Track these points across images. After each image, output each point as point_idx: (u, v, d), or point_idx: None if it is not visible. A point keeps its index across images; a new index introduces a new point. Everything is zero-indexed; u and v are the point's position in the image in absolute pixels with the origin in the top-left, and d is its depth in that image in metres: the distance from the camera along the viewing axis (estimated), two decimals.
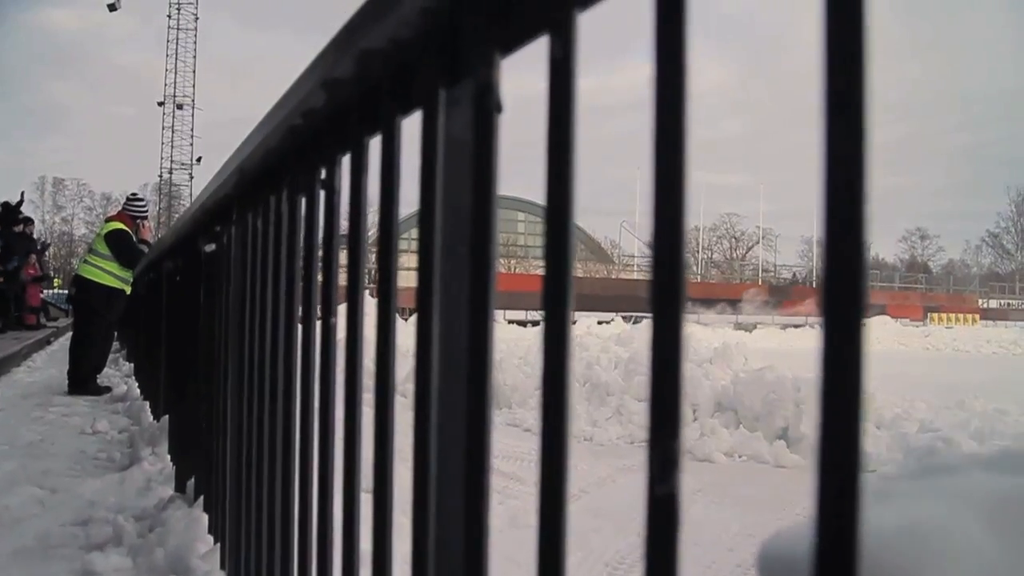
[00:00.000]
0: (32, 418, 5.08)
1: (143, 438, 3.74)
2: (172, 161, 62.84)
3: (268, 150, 1.30)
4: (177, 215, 63.09)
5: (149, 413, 4.61)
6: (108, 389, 6.58)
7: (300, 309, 1.26)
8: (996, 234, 66.52)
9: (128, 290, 6.83)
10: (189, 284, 2.67)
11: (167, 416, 3.48)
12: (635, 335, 11.49)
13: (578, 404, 7.82)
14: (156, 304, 4.53)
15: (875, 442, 6.81)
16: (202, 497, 2.28)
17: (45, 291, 18.10)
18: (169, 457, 3.31)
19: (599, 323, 18.27)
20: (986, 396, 7.75)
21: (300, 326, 1.32)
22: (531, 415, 8.42)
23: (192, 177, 63.20)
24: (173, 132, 62.15)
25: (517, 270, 49.08)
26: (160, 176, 63.35)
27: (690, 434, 7.26)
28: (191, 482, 2.51)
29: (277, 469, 1.50)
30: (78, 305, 6.99)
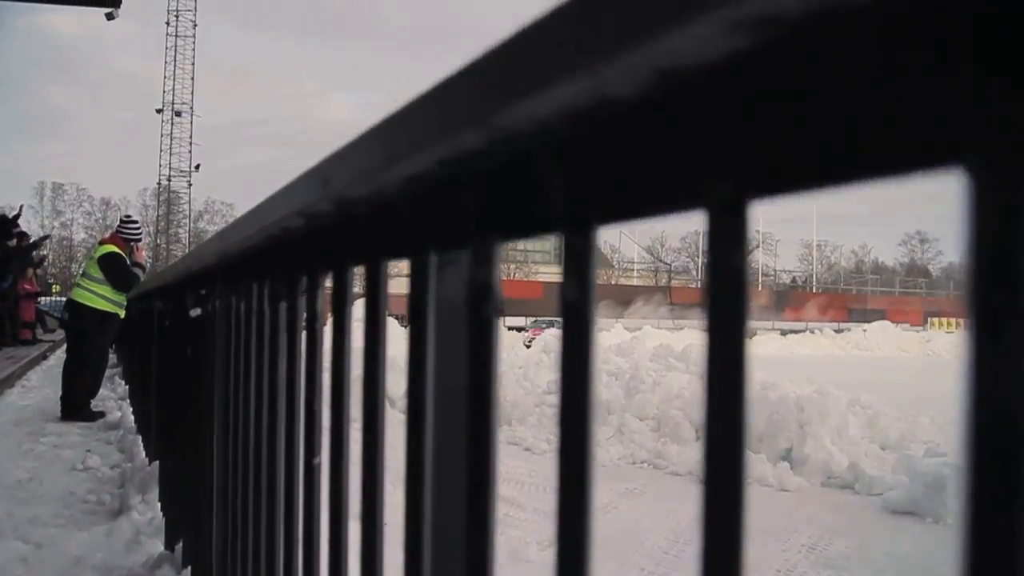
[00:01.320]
0: (22, 451, 4.97)
1: (134, 482, 3.63)
2: (171, 168, 62.88)
3: (248, 247, 1.20)
4: (175, 222, 63.19)
5: (142, 448, 4.50)
6: (102, 414, 6.48)
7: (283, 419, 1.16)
8: None
9: (122, 314, 6.73)
10: (177, 338, 2.58)
11: (157, 462, 3.38)
12: (636, 346, 11.34)
13: None
14: (148, 334, 4.43)
15: (880, 464, 6.72)
16: (190, 568, 2.18)
17: (42, 300, 17.94)
18: (159, 506, 3.20)
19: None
20: None
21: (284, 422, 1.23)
22: (531, 433, 8.28)
23: (191, 184, 63.24)
24: (172, 140, 62.21)
25: (516, 275, 49.01)
26: (159, 183, 63.39)
27: (692, 455, 7.15)
28: (180, 546, 2.41)
29: (262, 553, 1.41)
30: (71, 330, 6.88)
